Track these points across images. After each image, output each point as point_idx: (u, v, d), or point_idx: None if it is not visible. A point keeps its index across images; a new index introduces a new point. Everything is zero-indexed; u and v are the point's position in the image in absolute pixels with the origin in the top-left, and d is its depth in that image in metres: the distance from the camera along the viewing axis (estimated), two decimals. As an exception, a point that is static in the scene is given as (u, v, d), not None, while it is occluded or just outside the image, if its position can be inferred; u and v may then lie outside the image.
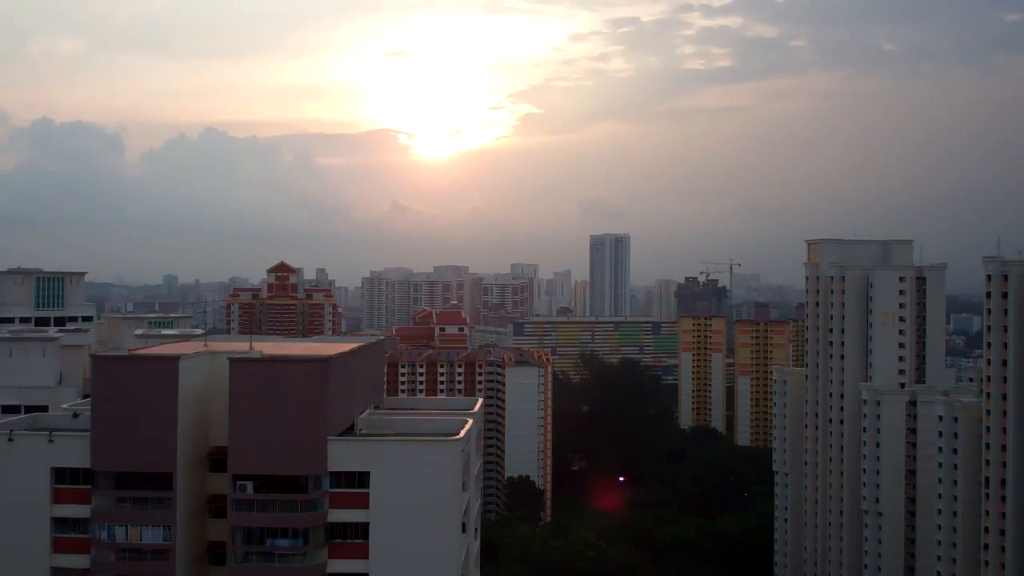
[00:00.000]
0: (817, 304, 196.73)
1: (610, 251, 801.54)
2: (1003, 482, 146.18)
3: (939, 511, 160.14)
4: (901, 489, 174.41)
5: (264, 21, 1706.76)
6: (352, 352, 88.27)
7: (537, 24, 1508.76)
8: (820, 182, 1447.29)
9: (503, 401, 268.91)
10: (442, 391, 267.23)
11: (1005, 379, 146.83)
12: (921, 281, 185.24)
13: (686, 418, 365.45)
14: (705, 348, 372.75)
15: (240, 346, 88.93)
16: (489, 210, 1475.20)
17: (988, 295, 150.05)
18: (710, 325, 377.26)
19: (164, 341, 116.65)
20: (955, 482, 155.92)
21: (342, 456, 76.86)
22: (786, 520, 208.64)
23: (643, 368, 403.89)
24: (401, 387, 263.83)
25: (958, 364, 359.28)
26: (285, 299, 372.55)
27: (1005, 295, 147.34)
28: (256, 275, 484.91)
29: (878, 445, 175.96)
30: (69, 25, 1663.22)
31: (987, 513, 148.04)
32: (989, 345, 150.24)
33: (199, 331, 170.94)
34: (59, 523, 77.31)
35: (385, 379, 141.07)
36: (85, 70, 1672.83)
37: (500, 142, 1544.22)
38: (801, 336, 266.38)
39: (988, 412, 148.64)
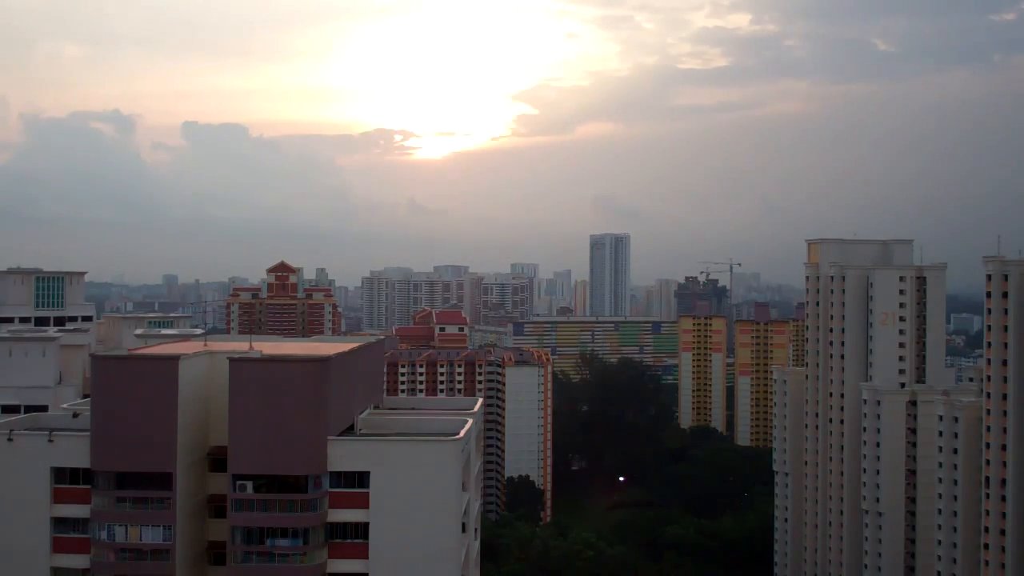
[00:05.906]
0: (817, 304, 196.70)
1: (610, 251, 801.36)
2: (1003, 482, 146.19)
3: (939, 511, 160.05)
4: (901, 489, 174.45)
5: (261, 22, 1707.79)
6: (352, 352, 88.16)
7: (534, 24, 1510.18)
8: (820, 182, 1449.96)
9: (503, 401, 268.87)
10: (442, 391, 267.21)
11: (1005, 379, 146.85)
12: (921, 281, 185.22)
13: (686, 418, 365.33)
14: (705, 348, 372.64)
15: (240, 346, 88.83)
16: (488, 210, 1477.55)
17: (988, 295, 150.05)
18: (710, 325, 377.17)
19: (164, 341, 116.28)
20: (955, 482, 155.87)
21: (342, 456, 76.80)
22: (786, 520, 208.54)
23: (643, 368, 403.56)
24: (401, 387, 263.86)
25: (958, 364, 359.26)
26: (285, 299, 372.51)
27: (1005, 295, 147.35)
28: (256, 275, 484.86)
29: (878, 445, 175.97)
30: (70, 23, 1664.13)
31: (987, 513, 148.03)
32: (989, 345, 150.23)
33: (199, 331, 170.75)
34: (59, 523, 77.17)
35: (385, 379, 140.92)
36: (86, 68, 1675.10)
37: (498, 142, 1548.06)
38: (801, 336, 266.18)
39: (988, 412, 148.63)
